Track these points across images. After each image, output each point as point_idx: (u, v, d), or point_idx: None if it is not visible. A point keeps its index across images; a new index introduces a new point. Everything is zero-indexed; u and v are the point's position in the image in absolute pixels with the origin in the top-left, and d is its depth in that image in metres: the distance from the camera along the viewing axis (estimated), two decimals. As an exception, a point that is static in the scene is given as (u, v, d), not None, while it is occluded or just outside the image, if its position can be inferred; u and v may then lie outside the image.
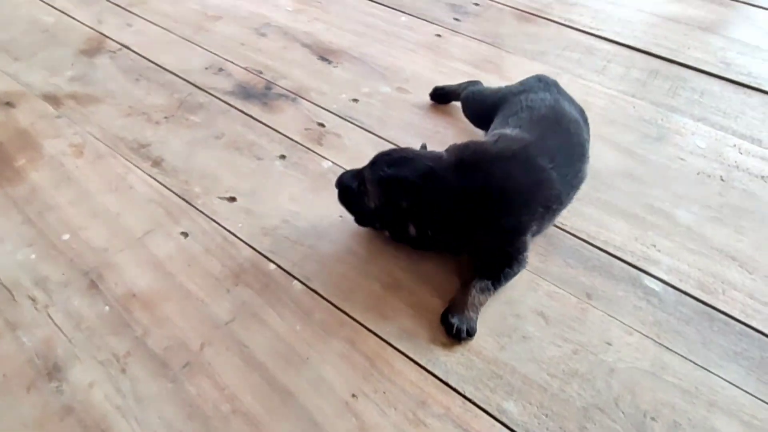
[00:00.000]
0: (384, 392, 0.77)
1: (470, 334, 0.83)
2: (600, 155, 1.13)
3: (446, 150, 0.93)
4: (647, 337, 0.86)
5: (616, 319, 0.88)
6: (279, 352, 0.81)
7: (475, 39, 1.52)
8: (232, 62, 1.41)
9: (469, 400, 0.77)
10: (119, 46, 1.44)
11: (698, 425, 0.75)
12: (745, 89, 1.39)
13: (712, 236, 1.02)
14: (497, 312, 0.88)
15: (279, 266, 0.93)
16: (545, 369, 0.81)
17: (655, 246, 0.99)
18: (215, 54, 1.43)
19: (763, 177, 1.15)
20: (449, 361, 0.81)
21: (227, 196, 1.05)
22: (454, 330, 0.82)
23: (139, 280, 0.89)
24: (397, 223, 0.90)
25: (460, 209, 0.84)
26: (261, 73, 1.38)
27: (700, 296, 0.92)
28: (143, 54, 1.41)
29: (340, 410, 0.75)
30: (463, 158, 0.87)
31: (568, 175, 0.93)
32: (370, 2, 1.69)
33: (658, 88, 1.38)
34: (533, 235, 0.93)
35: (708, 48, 1.55)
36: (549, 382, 0.80)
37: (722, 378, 0.81)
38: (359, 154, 1.15)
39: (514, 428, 0.74)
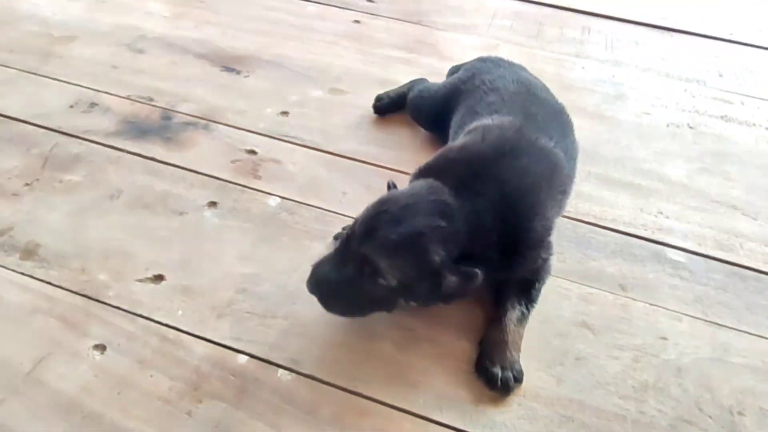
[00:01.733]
0: (446, 487, 0.58)
1: (518, 379, 0.66)
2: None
3: (418, 172, 0.74)
4: (697, 318, 0.76)
5: (660, 307, 0.77)
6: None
7: (399, 20, 1.34)
8: (107, 92, 1.07)
9: (549, 461, 0.61)
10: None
11: (787, 406, 0.67)
12: (671, 32, 1.39)
13: (708, 189, 0.96)
14: (537, 337, 0.72)
15: (252, 356, 0.68)
16: (614, 392, 0.67)
17: (662, 213, 0.91)
18: (79, 86, 1.08)
19: (723, 117, 1.13)
20: (507, 418, 0.64)
21: (150, 275, 0.76)
22: (498, 381, 0.65)
23: (46, 440, 0.59)
24: (431, 284, 0.65)
25: (487, 234, 0.66)
26: (151, 100, 1.06)
27: (723, 257, 0.84)
28: (-29, 103, 1.02)
29: None
30: (459, 177, 0.69)
31: (568, 149, 0.81)
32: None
33: (596, 45, 1.32)
34: None
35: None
36: (624, 407, 0.66)
37: (783, 342, 0.74)
38: (311, 179, 0.92)
39: (612, 481, 0.59)
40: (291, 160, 0.96)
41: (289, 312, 0.73)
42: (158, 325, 0.70)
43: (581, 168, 0.93)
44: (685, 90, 1.20)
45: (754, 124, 1.12)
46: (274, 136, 1.00)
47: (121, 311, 0.72)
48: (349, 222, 0.71)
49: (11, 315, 0.71)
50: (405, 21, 1.34)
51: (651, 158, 1.01)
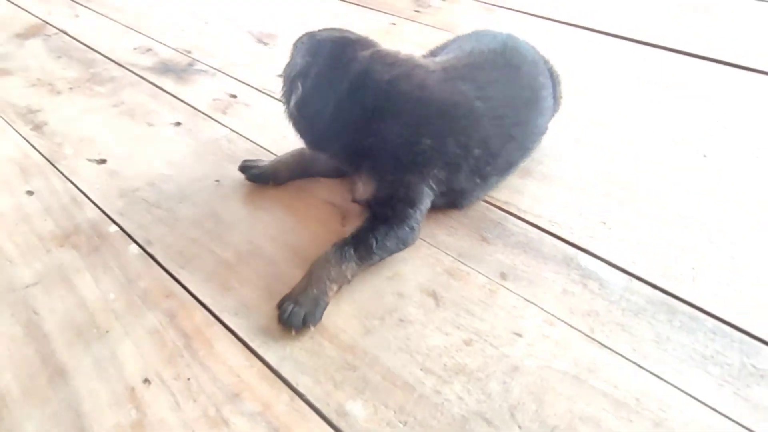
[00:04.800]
0: (188, 379, 0.56)
1: (306, 322, 0.60)
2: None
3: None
4: (576, 329, 0.61)
5: (535, 305, 0.64)
6: (73, 323, 0.62)
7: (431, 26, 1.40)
8: (163, 44, 1.33)
9: (300, 396, 0.55)
10: (56, 31, 1.40)
11: (633, 453, 0.50)
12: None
13: (671, 205, 0.78)
14: (373, 288, 0.67)
15: (121, 228, 0.76)
16: (420, 362, 0.58)
17: (605, 223, 0.76)
18: (148, 37, 1.37)
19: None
20: (290, 345, 0.60)
21: (98, 158, 0.91)
22: (285, 315, 0.60)
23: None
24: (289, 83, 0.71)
25: (345, 86, 0.66)
26: (189, 52, 1.29)
27: (660, 283, 0.67)
28: (77, 37, 1.36)
29: (120, 398, 0.55)
30: (373, 51, 0.71)
31: (505, 120, 0.73)
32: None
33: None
34: (438, 196, 0.72)
35: None
36: (421, 380, 0.56)
37: (680, 389, 0.55)
38: (264, 122, 1.00)
39: (351, 439, 0.51)
40: (259, 107, 1.06)
41: (172, 207, 0.80)
42: (77, 190, 0.84)
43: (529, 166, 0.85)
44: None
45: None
46: (259, 89, 1.12)
47: (61, 175, 0.87)
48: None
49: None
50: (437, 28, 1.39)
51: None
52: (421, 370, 0.57)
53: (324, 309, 0.62)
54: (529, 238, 0.74)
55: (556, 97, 0.85)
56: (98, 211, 0.80)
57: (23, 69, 1.20)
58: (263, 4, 1.58)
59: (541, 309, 0.64)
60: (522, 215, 0.78)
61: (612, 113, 1.03)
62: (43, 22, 1.45)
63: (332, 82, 0.67)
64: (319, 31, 0.75)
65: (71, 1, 1.60)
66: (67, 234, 0.75)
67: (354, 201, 0.73)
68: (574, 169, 0.87)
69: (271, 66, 1.20)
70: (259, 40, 1.35)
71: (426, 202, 0.69)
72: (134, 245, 0.73)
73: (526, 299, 0.65)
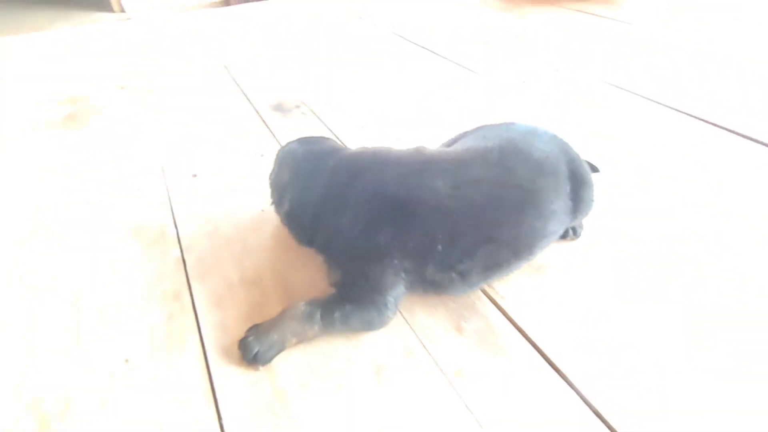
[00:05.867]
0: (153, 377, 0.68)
1: (256, 360, 0.67)
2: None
3: None
4: None
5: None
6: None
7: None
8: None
9: (221, 422, 0.61)
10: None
11: None
12: None
13: None
14: (329, 344, 0.70)
15: (177, 233, 0.94)
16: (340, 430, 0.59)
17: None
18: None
19: None
20: (240, 371, 0.67)
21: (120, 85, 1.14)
22: (243, 343, 0.68)
23: None
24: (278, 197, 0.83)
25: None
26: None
27: None
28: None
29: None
30: (339, 157, 0.78)
31: (482, 221, 0.69)
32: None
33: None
34: (417, 284, 0.71)
35: None
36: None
37: None
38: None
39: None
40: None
41: (219, 225, 0.96)
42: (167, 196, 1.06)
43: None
44: None
45: None
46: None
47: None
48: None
49: None
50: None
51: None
52: (332, 438, 0.59)
53: (277, 354, 0.68)
54: (506, 341, 0.69)
55: (578, 199, 0.77)
56: (171, 214, 0.99)
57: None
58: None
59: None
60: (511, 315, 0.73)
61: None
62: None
63: (310, 191, 0.77)
64: (299, 141, 0.86)
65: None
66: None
67: (330, 285, 0.76)
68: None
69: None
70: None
71: (398, 288, 0.70)
72: (177, 249, 0.90)
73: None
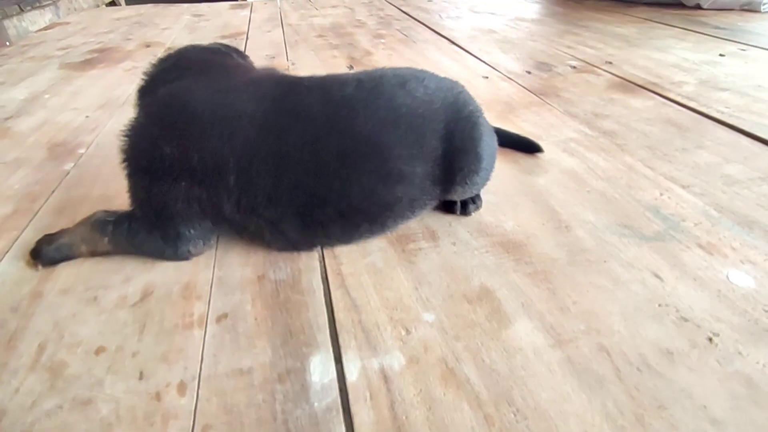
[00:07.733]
0: None
1: (39, 258, 0.62)
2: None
3: None
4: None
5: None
6: None
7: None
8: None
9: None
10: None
11: None
12: None
13: None
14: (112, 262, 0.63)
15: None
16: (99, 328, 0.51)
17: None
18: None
19: None
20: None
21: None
22: (36, 244, 0.64)
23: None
24: None
25: None
26: (273, 57, 1.49)
27: None
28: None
29: None
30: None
31: (294, 164, 0.57)
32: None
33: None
34: (221, 221, 0.60)
35: None
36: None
37: None
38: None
39: None
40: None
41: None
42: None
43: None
44: None
45: None
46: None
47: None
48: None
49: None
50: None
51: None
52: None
53: (63, 258, 0.63)
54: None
55: (451, 168, 0.63)
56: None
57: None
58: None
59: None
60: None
61: None
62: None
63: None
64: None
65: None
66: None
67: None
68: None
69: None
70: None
71: (195, 221, 0.59)
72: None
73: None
